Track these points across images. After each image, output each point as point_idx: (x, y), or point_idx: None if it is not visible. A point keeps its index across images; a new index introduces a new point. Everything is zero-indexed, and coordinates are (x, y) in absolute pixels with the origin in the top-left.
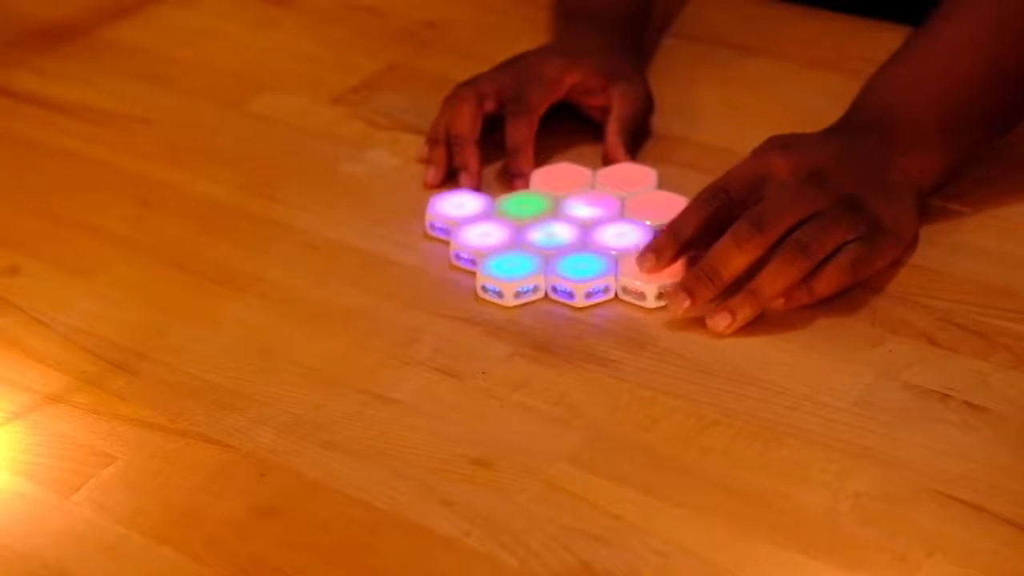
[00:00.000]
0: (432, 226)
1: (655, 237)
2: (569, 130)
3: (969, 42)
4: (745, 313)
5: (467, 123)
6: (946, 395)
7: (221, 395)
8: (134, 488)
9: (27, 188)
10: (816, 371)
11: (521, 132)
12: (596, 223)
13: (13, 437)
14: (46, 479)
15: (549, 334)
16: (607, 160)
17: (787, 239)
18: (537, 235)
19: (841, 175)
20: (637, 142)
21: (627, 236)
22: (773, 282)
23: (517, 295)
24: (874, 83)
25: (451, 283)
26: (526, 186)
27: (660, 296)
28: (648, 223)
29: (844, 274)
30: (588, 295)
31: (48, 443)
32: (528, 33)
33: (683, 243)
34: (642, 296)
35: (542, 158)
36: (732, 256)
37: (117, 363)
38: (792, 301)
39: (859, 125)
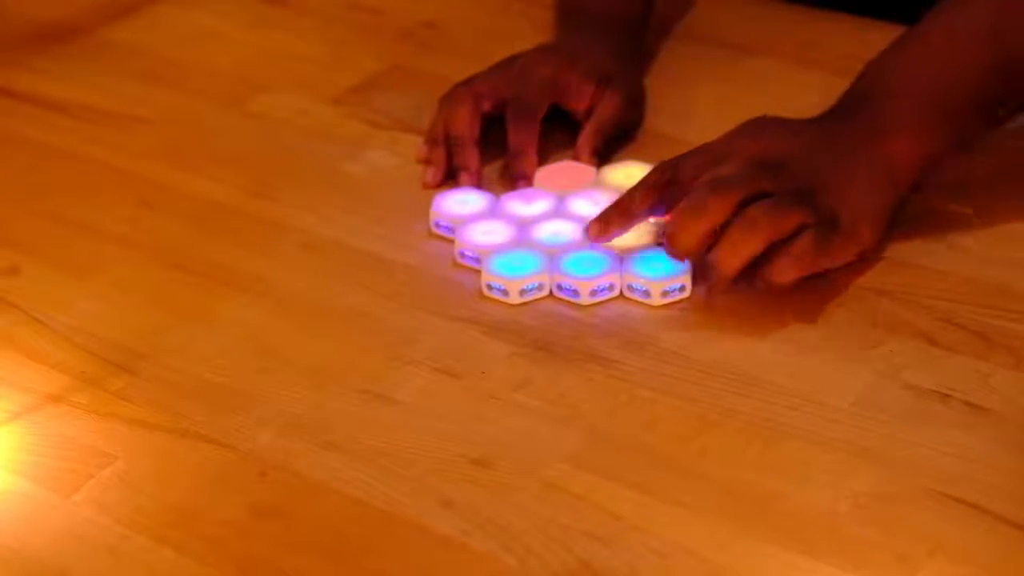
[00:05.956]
0: (437, 224)
1: (606, 207)
2: (570, 129)
3: (969, 30)
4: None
5: (466, 123)
6: (946, 395)
7: (221, 395)
8: (134, 488)
9: (27, 188)
10: (816, 371)
11: (524, 134)
12: None
13: (13, 437)
14: (46, 479)
15: (549, 334)
16: (574, 160)
17: (738, 214)
18: (542, 233)
19: (801, 166)
20: (611, 147)
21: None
22: (726, 258)
23: (522, 293)
24: (869, 68)
25: (451, 283)
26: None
27: (665, 294)
28: (650, 219)
29: (799, 261)
30: (593, 293)
31: (48, 443)
32: (528, 33)
33: (632, 216)
34: (647, 294)
35: (543, 157)
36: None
37: (117, 363)
38: (751, 286)
39: (848, 110)
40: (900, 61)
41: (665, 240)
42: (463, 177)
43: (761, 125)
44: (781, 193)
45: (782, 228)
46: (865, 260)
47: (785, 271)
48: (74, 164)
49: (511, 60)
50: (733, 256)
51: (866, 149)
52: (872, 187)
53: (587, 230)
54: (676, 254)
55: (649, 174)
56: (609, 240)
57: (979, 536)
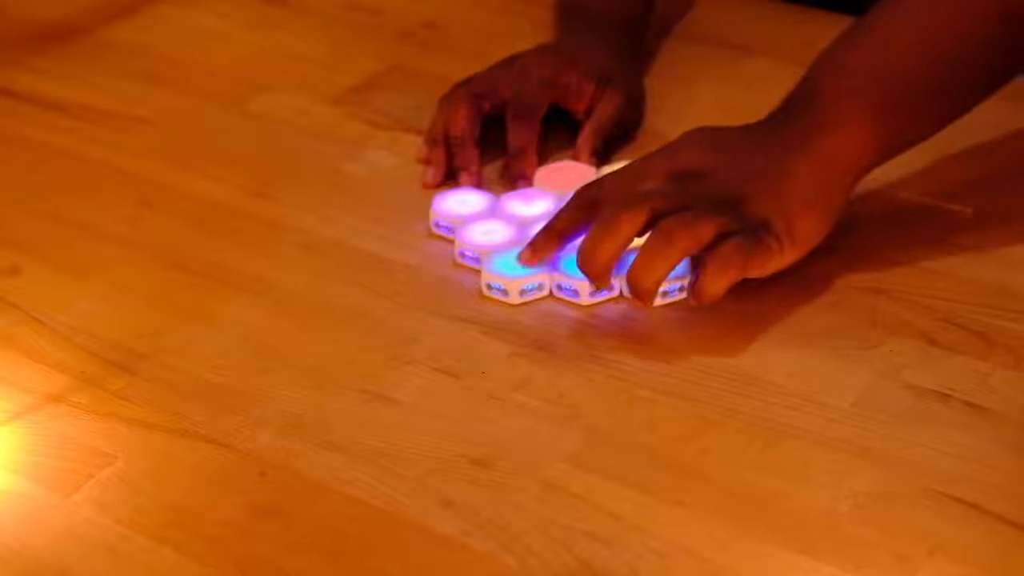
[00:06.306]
0: (437, 224)
1: (537, 233)
2: (570, 129)
3: (911, 20)
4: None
5: (466, 123)
6: (946, 395)
7: (221, 395)
8: (134, 488)
9: (27, 188)
10: (816, 371)
11: (524, 134)
12: None
13: (13, 437)
14: (46, 479)
15: (549, 334)
16: (574, 159)
17: (653, 229)
18: None
19: (726, 175)
20: (611, 147)
21: None
22: (643, 273)
23: (522, 293)
24: (810, 68)
25: (451, 283)
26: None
27: (665, 294)
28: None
29: (725, 268)
30: (593, 293)
31: (48, 443)
32: (528, 33)
33: (561, 239)
34: None
35: (543, 157)
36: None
37: (117, 363)
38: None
39: (790, 109)
40: (843, 56)
41: (578, 259)
42: (463, 177)
43: (688, 139)
44: (695, 204)
45: (700, 237)
46: (865, 260)
47: (712, 280)
48: (74, 164)
49: (511, 60)
50: (651, 270)
51: (806, 148)
52: (812, 187)
53: (519, 256)
54: (590, 273)
55: (573, 196)
56: (542, 265)
57: (979, 536)
